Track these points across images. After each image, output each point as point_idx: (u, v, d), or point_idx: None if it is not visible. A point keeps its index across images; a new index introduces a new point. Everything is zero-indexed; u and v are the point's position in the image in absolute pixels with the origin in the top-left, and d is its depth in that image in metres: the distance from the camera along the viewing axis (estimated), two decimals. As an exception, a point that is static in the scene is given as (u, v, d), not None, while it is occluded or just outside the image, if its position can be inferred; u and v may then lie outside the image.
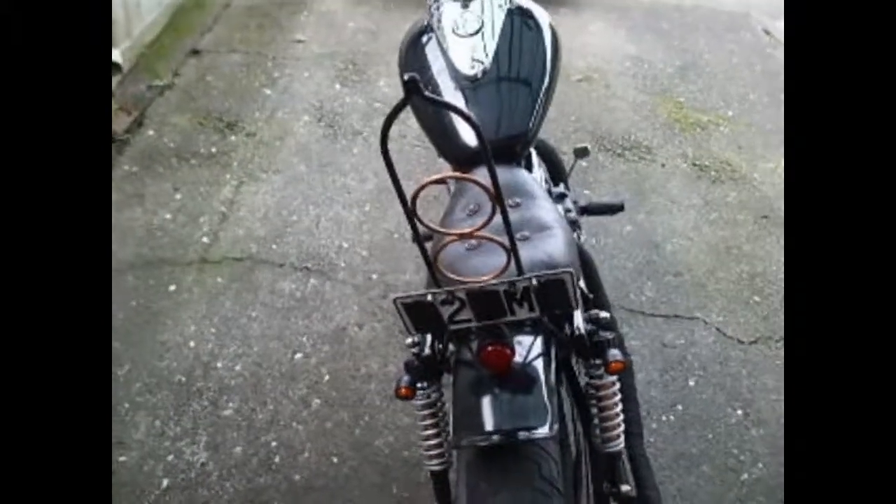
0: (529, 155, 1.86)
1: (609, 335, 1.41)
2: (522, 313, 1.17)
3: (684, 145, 3.28)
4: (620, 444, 1.43)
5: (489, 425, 1.18)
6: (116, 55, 3.31)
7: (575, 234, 1.87)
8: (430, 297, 1.16)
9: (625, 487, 1.47)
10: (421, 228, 1.07)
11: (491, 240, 1.15)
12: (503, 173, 1.68)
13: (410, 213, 1.08)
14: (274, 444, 2.04)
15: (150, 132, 3.21)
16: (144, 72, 3.53)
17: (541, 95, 1.80)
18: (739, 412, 2.19)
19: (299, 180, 2.97)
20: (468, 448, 1.34)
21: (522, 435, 1.17)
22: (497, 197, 1.03)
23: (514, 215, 1.55)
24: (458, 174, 1.08)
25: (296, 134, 3.21)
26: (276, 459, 2.01)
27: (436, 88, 1.81)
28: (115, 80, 3.34)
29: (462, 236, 1.10)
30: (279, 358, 2.28)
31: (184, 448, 2.02)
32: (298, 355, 2.28)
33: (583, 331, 1.36)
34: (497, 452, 1.23)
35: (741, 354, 2.36)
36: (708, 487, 1.99)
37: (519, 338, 1.28)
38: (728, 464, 2.06)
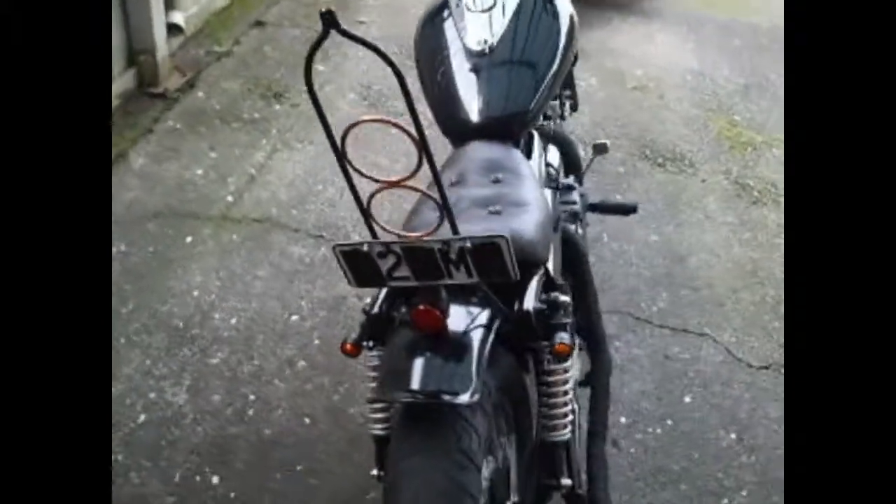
0: (531, 140, 1.82)
1: (563, 319, 1.36)
2: (460, 277, 1.14)
3: (730, 163, 3.16)
4: (564, 435, 1.38)
5: (412, 384, 1.16)
6: (180, 18, 3.42)
7: (574, 227, 1.82)
8: (365, 248, 1.14)
9: (565, 481, 1.42)
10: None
11: (422, 192, 1.13)
12: (494, 149, 1.67)
13: (340, 156, 1.08)
14: (252, 397, 2.07)
15: (200, 94, 3.31)
16: (207, 38, 3.65)
17: (546, 79, 1.77)
18: (733, 436, 2.08)
19: (331, 153, 2.99)
20: (394, 406, 1.32)
21: (445, 398, 1.15)
22: (422, 144, 1.01)
23: (492, 190, 1.53)
24: (376, 117, 1.06)
25: (338, 109, 3.25)
26: (251, 412, 2.03)
27: (445, 61, 1.81)
28: (176, 42, 3.46)
29: (391, 185, 1.08)
30: (275, 317, 2.30)
31: (166, 388, 2.07)
32: (294, 317, 2.30)
33: (530, 309, 1.31)
34: (422, 418, 1.21)
35: (747, 378, 2.24)
36: (681, 506, 1.90)
37: (460, 306, 1.26)
38: (709, 486, 1.96)
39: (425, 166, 1.03)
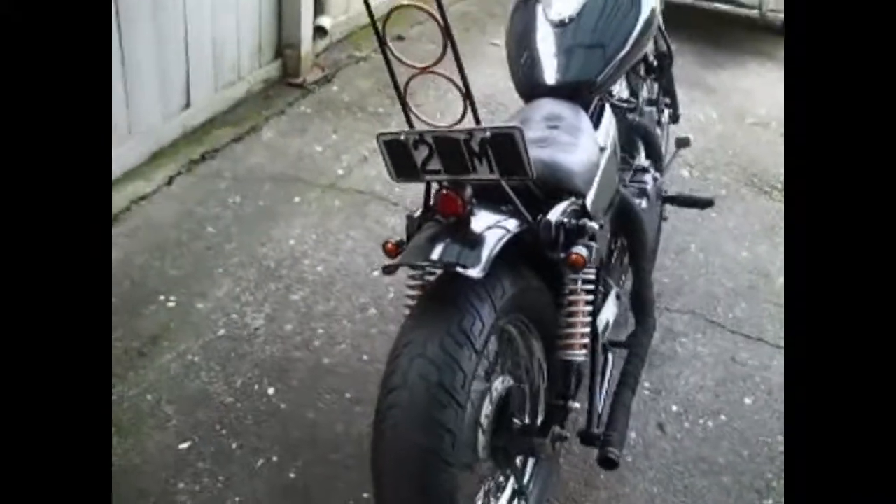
0: (602, 111, 1.88)
1: (586, 234, 1.41)
2: (483, 172, 1.25)
3: (844, 199, 3.04)
4: (578, 356, 1.42)
5: (431, 254, 1.27)
6: (327, 23, 3.79)
7: (639, 201, 1.87)
8: (403, 136, 1.28)
9: (573, 404, 1.45)
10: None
11: (450, 80, 1.25)
12: (559, 106, 1.76)
13: (381, 42, 1.23)
14: (320, 331, 2.23)
15: (335, 88, 3.62)
16: (350, 44, 4.00)
17: (616, 59, 1.85)
18: (792, 444, 1.98)
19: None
20: (416, 280, 1.41)
21: (456, 269, 1.24)
22: (446, 31, 1.14)
23: (546, 133, 1.63)
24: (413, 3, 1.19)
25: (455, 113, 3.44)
26: (316, 343, 2.19)
27: (528, 30, 1.94)
28: (322, 43, 3.82)
29: (423, 70, 1.23)
30: (358, 270, 2.47)
31: (248, 313, 2.27)
32: (375, 273, 2.46)
33: (552, 219, 1.37)
34: (435, 300, 1.31)
35: (819, 394, 2.13)
36: (719, 497, 1.84)
37: (487, 209, 1.36)
38: (755, 484, 1.88)
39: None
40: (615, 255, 1.87)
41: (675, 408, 2.06)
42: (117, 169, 2.71)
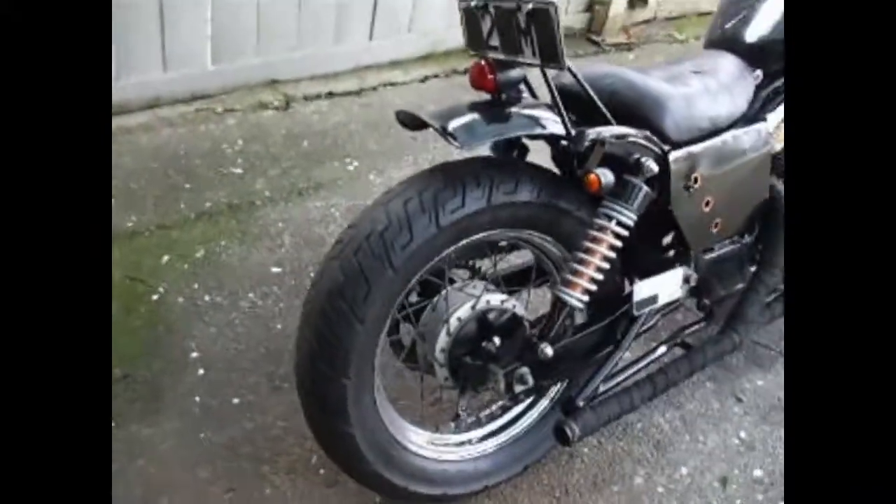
0: (777, 95, 1.57)
1: (639, 169, 1.23)
2: (528, 55, 1.17)
3: None
4: (572, 298, 1.25)
5: (436, 118, 1.22)
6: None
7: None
8: (473, 3, 1.23)
9: (546, 348, 1.28)
10: None
11: None
12: (726, 60, 1.54)
13: None
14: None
15: (631, 56, 3.54)
16: (673, 25, 3.84)
17: None
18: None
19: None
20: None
21: (448, 138, 1.18)
22: None
23: (688, 73, 1.44)
24: None
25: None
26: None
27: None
28: (641, 14, 3.72)
29: None
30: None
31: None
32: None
33: (590, 133, 1.21)
34: (439, 168, 1.26)
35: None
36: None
37: (529, 105, 1.27)
38: None
39: None
40: (743, 248, 1.57)
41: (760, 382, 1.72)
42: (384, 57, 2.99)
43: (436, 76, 3.05)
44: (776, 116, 1.52)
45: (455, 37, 3.16)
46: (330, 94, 2.87)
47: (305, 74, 2.89)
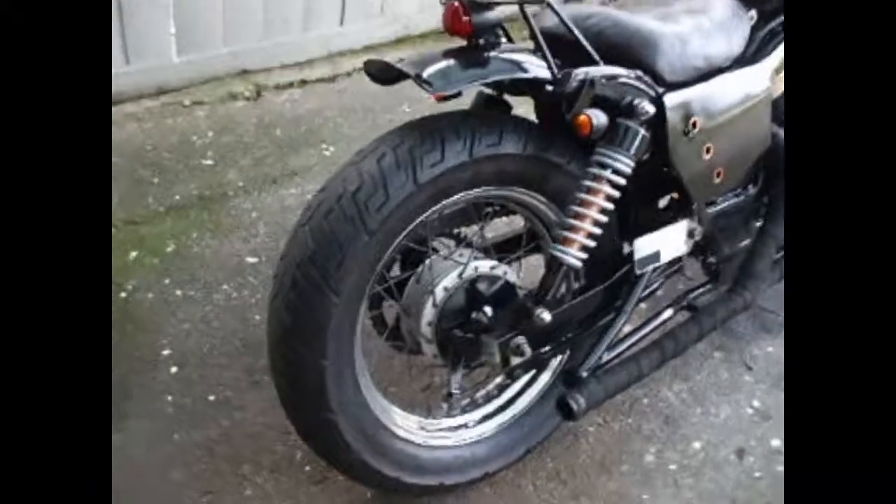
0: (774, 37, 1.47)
1: (634, 113, 1.12)
2: None
3: None
4: (568, 257, 1.14)
5: (408, 65, 1.12)
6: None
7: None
8: None
9: (542, 313, 1.17)
10: None
11: None
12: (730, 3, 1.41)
13: None
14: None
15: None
16: None
17: None
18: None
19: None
20: None
21: (422, 84, 1.08)
22: None
23: (682, 13, 1.33)
24: None
25: None
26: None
27: None
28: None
29: None
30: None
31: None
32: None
33: (577, 73, 1.10)
34: (420, 121, 1.16)
35: None
36: None
37: (516, 50, 1.17)
38: None
39: None
40: (747, 198, 1.46)
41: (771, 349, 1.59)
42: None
43: (410, 58, 2.95)
44: (774, 60, 1.42)
45: (428, 19, 3.05)
46: (303, 82, 2.75)
47: (276, 63, 2.77)
